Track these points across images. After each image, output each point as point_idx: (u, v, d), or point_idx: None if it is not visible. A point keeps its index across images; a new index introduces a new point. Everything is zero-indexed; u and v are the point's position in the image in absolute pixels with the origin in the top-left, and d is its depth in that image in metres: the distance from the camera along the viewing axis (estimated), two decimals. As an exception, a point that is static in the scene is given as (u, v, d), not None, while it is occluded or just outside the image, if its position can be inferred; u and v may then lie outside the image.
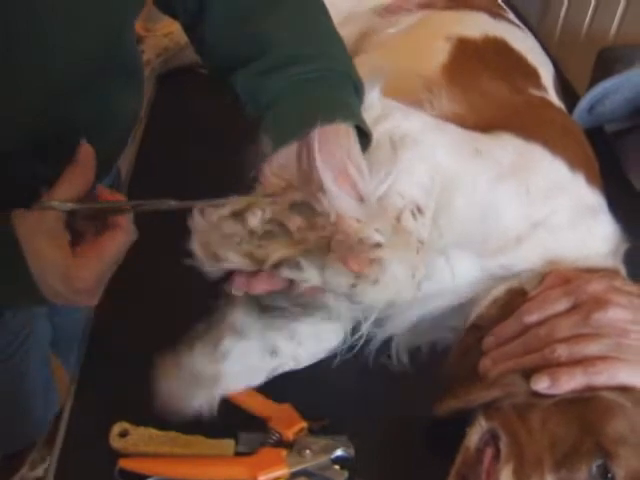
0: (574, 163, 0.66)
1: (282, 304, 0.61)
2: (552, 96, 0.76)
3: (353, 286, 0.52)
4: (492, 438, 0.55)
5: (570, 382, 0.53)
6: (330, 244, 0.51)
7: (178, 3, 0.66)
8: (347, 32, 0.92)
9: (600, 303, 0.57)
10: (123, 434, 0.61)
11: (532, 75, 0.76)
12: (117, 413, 0.62)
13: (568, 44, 1.56)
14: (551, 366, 0.55)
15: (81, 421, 0.64)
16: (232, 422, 0.61)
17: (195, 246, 0.52)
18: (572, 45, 1.55)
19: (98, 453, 0.61)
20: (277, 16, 0.59)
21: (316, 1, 0.63)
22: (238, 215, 0.52)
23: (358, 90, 0.60)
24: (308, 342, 0.64)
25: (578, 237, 0.64)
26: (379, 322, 0.65)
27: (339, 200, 0.52)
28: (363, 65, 0.82)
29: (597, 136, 0.91)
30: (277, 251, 0.50)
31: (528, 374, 0.55)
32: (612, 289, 0.58)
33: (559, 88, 0.83)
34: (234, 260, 0.51)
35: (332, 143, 0.54)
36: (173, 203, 0.54)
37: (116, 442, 0.60)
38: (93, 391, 0.67)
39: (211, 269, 0.52)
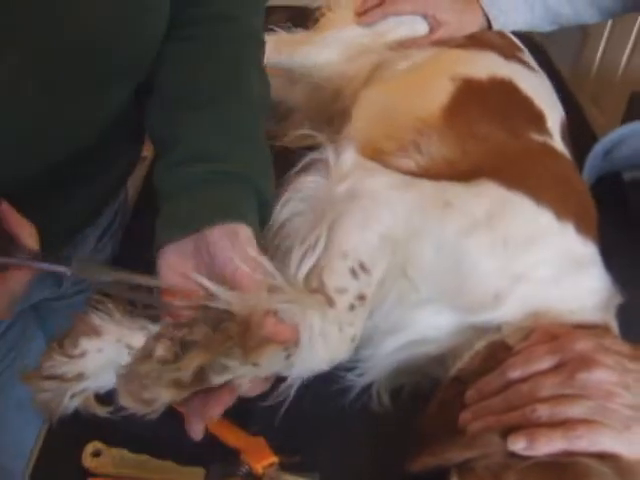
0: (563, 213, 0.63)
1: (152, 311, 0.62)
2: (556, 141, 0.74)
3: (287, 358, 0.54)
4: None
5: (548, 445, 0.51)
6: (244, 333, 0.52)
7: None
8: (360, 64, 0.92)
9: (586, 363, 0.54)
10: (96, 454, 0.61)
11: (536, 119, 0.74)
12: (93, 432, 0.62)
13: (603, 86, 1.54)
14: (531, 426, 0.53)
15: (57, 436, 0.64)
16: (205, 451, 0.61)
17: (124, 400, 0.52)
18: (607, 87, 1.52)
19: (69, 471, 0.61)
20: (200, 112, 0.61)
21: (250, 99, 0.64)
22: (145, 355, 0.52)
23: (261, 194, 0.60)
24: None
25: (562, 291, 0.62)
26: (358, 371, 0.65)
27: (226, 295, 0.54)
28: (365, 101, 0.82)
29: (615, 185, 0.89)
30: (193, 362, 0.51)
31: (506, 433, 0.53)
32: (600, 348, 0.56)
33: (576, 132, 0.81)
34: (163, 395, 0.51)
35: (224, 242, 0.56)
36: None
37: (88, 461, 0.61)
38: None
39: (149, 413, 0.53)
